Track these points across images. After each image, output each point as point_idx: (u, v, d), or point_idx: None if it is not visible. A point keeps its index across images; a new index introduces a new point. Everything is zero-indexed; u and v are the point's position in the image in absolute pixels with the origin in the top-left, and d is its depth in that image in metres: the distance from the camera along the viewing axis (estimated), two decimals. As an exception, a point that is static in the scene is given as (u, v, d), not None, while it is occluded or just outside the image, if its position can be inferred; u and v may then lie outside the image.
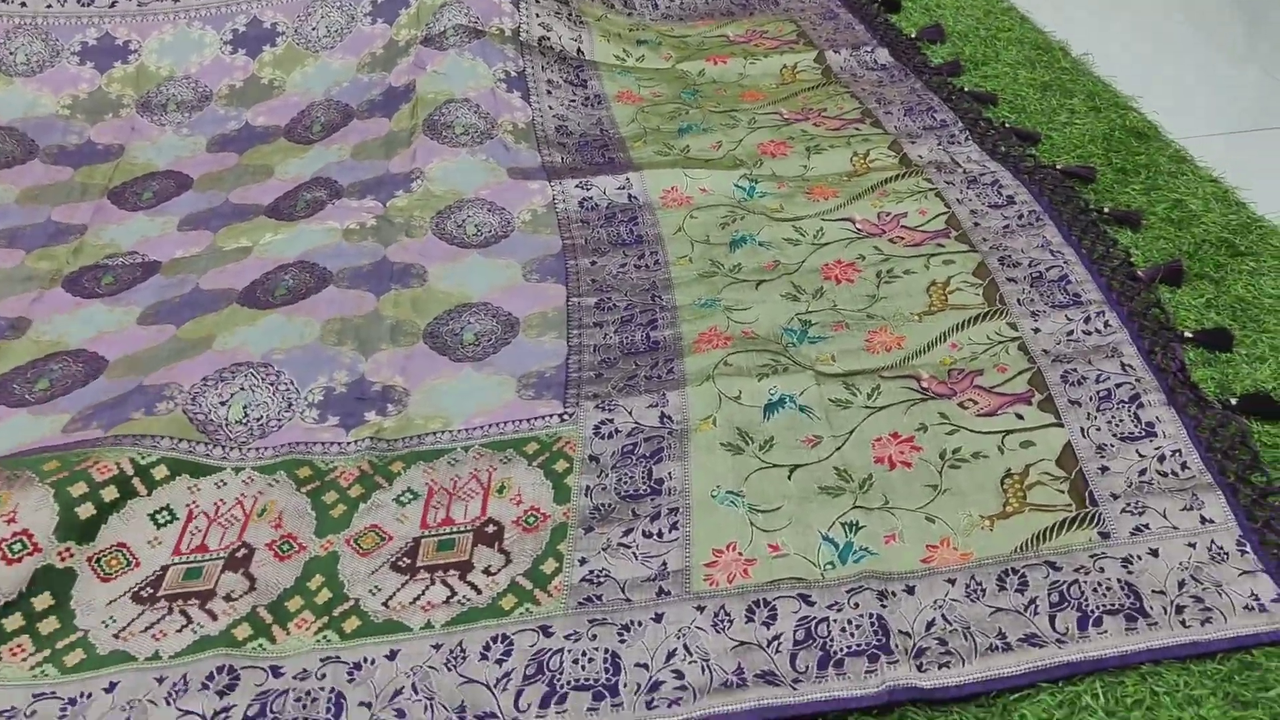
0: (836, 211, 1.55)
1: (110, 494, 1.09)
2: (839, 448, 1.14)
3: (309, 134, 1.86)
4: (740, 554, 1.03)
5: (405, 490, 1.14)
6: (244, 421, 1.22)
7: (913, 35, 2.10)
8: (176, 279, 1.51)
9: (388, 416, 1.24)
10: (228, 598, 1.02)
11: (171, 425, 1.19)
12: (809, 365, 1.26)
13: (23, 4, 1.96)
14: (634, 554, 1.04)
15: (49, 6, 1.98)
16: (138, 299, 1.47)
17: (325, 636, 0.99)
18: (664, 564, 1.03)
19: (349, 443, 1.20)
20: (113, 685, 0.94)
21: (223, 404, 1.24)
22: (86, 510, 1.07)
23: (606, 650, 0.95)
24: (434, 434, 1.21)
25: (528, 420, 1.22)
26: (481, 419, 1.23)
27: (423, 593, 1.02)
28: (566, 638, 0.97)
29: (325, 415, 1.24)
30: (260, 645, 0.98)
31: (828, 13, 2.24)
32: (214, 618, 1.00)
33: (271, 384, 1.27)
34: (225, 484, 1.14)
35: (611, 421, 1.20)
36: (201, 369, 1.28)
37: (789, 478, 1.11)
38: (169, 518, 1.10)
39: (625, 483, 1.13)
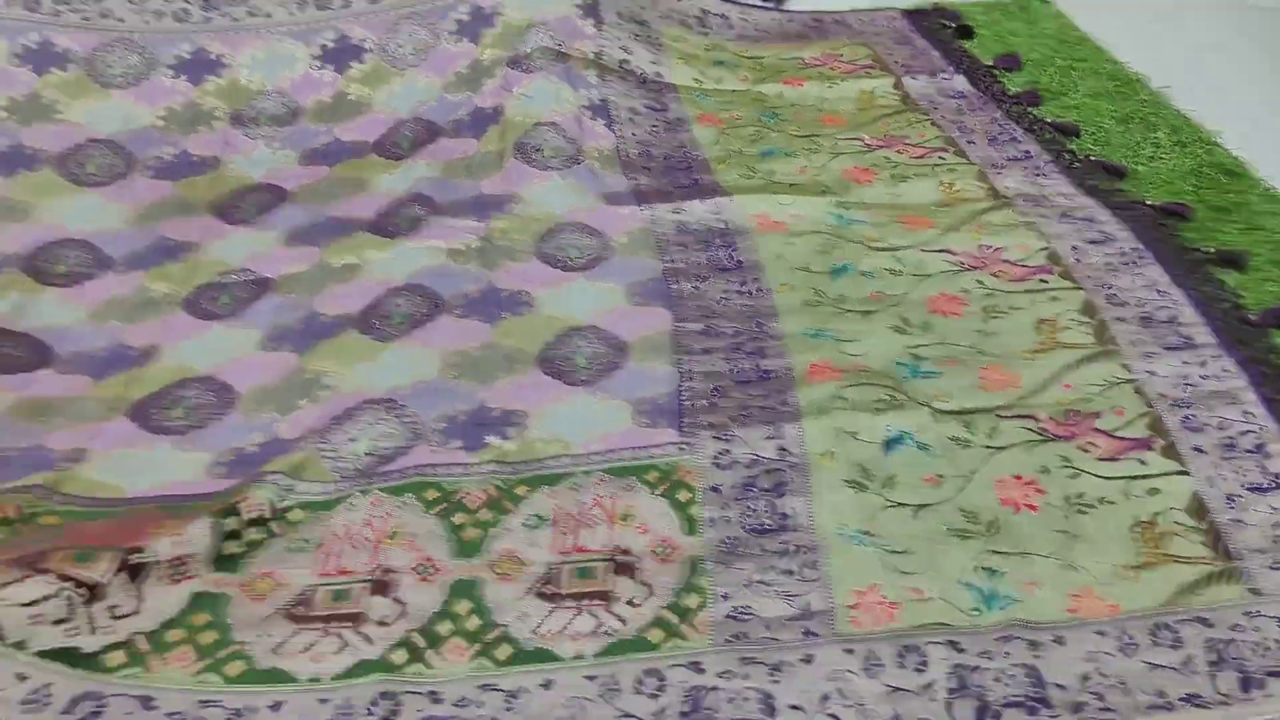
0: (934, 243, 1.54)
1: (257, 535, 1.10)
2: (962, 489, 1.13)
3: (398, 149, 1.85)
4: (884, 598, 1.02)
5: (532, 515, 1.13)
6: (372, 454, 1.21)
7: (989, 63, 2.08)
8: (291, 299, 1.49)
9: (508, 440, 1.23)
10: (381, 623, 1.01)
11: (304, 465, 1.19)
12: (924, 402, 1.24)
13: (120, 19, 1.95)
14: (775, 592, 1.03)
15: (146, 22, 1.96)
16: (256, 320, 1.46)
17: (481, 664, 0.98)
18: (808, 604, 1.02)
19: (473, 464, 1.19)
20: (277, 704, 0.94)
21: (351, 440, 1.23)
22: (232, 547, 1.08)
23: (760, 690, 0.94)
24: (554, 458, 1.20)
25: (645, 448, 1.21)
26: (600, 445, 1.22)
27: (570, 623, 1.01)
28: (719, 675, 0.95)
29: (448, 439, 1.23)
30: (419, 670, 0.97)
31: (901, 37, 2.22)
32: (370, 641, 0.99)
33: (397, 415, 1.26)
34: (354, 507, 1.14)
35: (729, 452, 1.19)
36: (333, 412, 1.27)
37: (914, 517, 1.10)
38: (304, 544, 1.10)
39: (749, 516, 1.12)
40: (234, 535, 1.08)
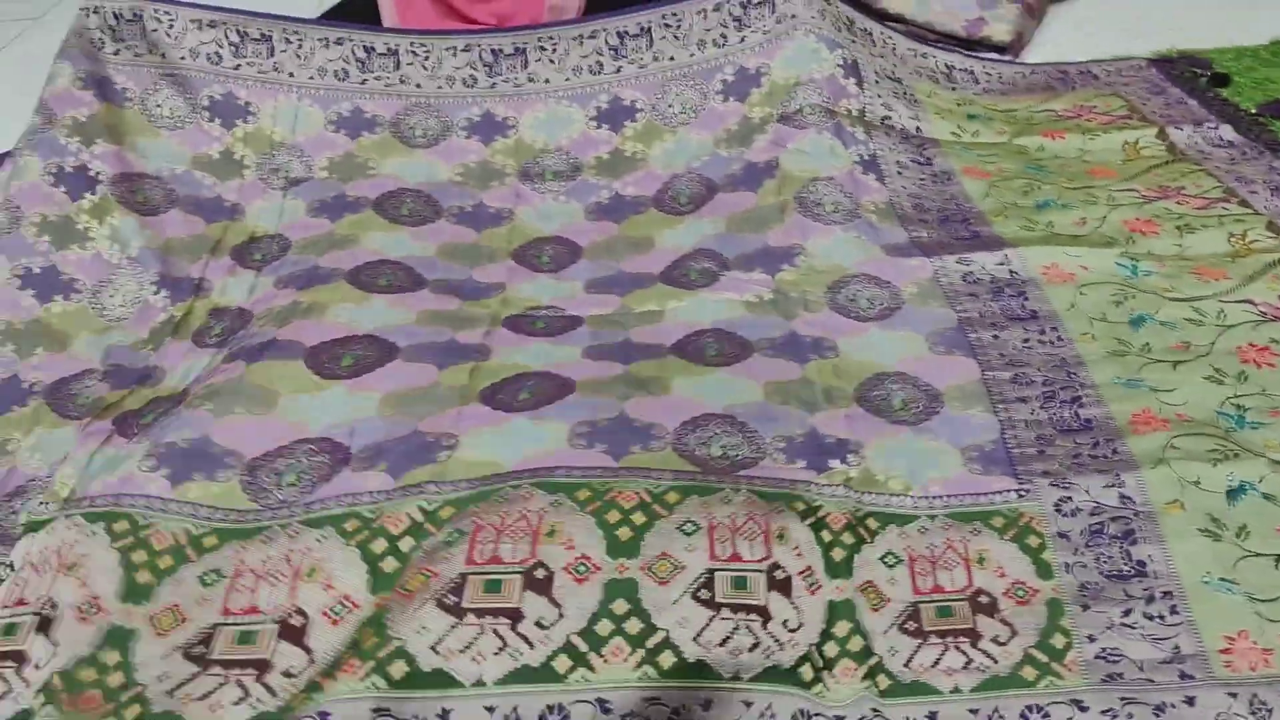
0: (1233, 293, 1.53)
1: (639, 518, 1.18)
2: (1322, 540, 1.13)
3: (676, 204, 1.94)
4: (1255, 643, 1.03)
5: (888, 552, 1.18)
6: (723, 458, 1.28)
7: (1253, 111, 2.06)
8: (605, 331, 1.59)
9: (851, 466, 1.28)
10: (785, 625, 1.08)
11: (667, 461, 1.26)
12: (1259, 452, 1.25)
13: (418, 85, 2.13)
14: (1140, 634, 1.06)
15: (439, 88, 2.13)
16: (575, 341, 1.56)
17: (868, 686, 1.03)
18: (1176, 647, 1.04)
19: (823, 485, 1.25)
20: (707, 703, 1.01)
21: (703, 444, 1.30)
22: (625, 533, 1.16)
23: (1148, 730, 0.97)
24: (897, 496, 1.25)
25: (985, 494, 1.25)
26: (938, 488, 1.26)
27: (940, 658, 1.06)
28: (1103, 713, 0.99)
29: (793, 458, 1.29)
30: (819, 692, 1.03)
31: (1153, 88, 2.22)
32: (780, 646, 1.06)
33: (740, 430, 1.33)
34: (729, 501, 1.20)
35: (1070, 500, 1.22)
36: (672, 414, 1.34)
37: (1276, 567, 1.11)
38: (693, 528, 1.17)
39: (1105, 561, 1.14)
40: (622, 524, 1.16)
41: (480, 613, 1.07)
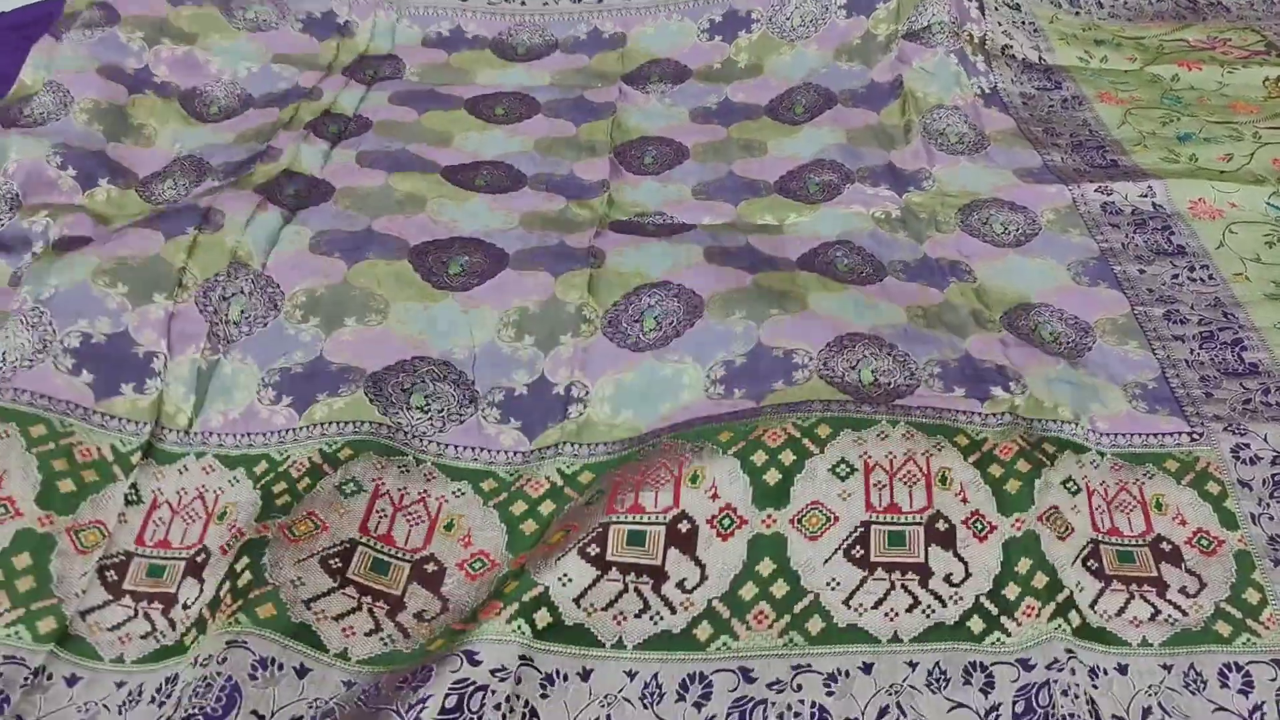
0: (1397, 241, 1.38)
1: (788, 457, 1.05)
2: None
3: (792, 114, 1.78)
4: None
5: (1068, 478, 1.05)
6: (875, 384, 1.15)
7: (1402, 51, 1.87)
8: (723, 236, 1.43)
9: (1014, 395, 1.14)
10: (948, 580, 0.97)
11: (814, 391, 1.13)
12: None
13: (522, 3, 1.95)
14: (1339, 593, 0.94)
15: (545, 4, 1.96)
16: (693, 240, 1.39)
17: (1058, 626, 0.92)
18: (1379, 607, 0.92)
19: (988, 415, 1.12)
20: (869, 666, 0.91)
21: (852, 368, 1.16)
22: (773, 476, 1.03)
23: (1361, 696, 0.86)
24: (1068, 423, 1.12)
25: (1155, 435, 1.12)
26: (1105, 425, 1.13)
27: (1125, 606, 0.95)
28: (1310, 676, 0.88)
29: (950, 386, 1.15)
30: (996, 640, 0.92)
31: (1289, 23, 2.02)
32: (942, 603, 0.95)
33: (889, 353, 1.19)
34: (886, 436, 1.07)
35: (1248, 446, 1.10)
36: (814, 333, 1.20)
37: None
38: (848, 470, 1.04)
39: (1292, 513, 1.02)
40: (769, 466, 1.04)
41: (625, 568, 0.96)
